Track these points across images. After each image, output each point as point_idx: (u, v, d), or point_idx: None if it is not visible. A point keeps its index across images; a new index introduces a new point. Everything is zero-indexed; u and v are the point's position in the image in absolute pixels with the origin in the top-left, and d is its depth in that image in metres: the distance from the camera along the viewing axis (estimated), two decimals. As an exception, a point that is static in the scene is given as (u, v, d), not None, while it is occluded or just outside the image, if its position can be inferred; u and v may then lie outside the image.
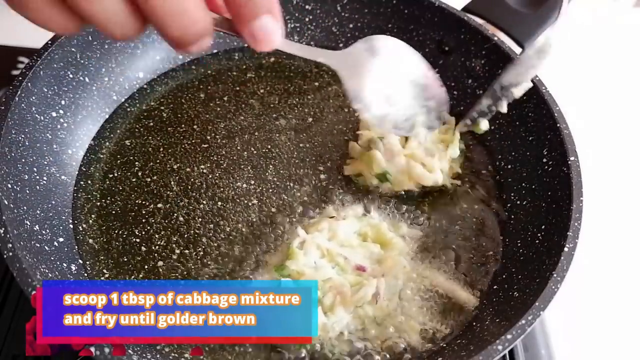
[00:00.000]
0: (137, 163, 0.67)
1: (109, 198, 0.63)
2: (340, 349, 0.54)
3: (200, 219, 0.62)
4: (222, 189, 0.65)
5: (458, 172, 0.68)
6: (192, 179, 0.66)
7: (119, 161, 0.67)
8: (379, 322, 0.55)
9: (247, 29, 0.40)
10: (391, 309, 0.56)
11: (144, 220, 0.61)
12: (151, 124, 0.71)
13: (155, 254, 0.59)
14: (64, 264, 0.56)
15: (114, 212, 0.62)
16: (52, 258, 0.54)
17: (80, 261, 0.58)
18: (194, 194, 0.64)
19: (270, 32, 0.40)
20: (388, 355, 0.54)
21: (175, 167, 0.67)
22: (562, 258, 0.53)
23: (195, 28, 0.38)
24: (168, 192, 0.64)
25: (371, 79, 0.55)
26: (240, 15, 0.39)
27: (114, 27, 0.37)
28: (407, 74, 0.58)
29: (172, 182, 0.65)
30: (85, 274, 0.57)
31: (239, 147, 0.69)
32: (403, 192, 0.66)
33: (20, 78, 0.59)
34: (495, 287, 0.60)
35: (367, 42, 0.55)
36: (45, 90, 0.62)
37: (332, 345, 0.54)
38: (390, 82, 0.57)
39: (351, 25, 0.81)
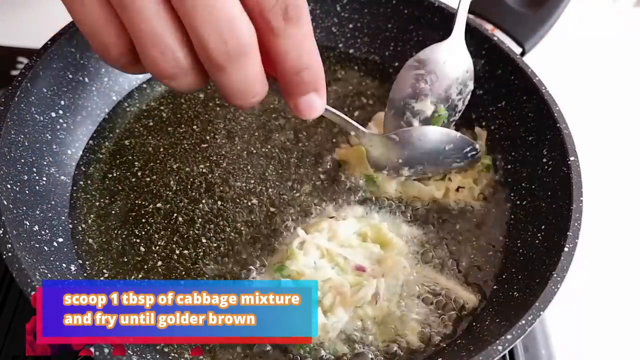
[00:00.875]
0: (136, 163, 0.67)
1: (108, 198, 0.63)
2: (340, 350, 0.54)
3: (200, 219, 0.62)
4: (222, 189, 0.65)
5: (481, 193, 0.67)
6: (192, 179, 0.65)
7: (118, 161, 0.67)
8: (378, 323, 0.55)
9: (294, 102, 0.44)
10: (391, 309, 0.56)
11: (143, 220, 0.61)
12: (151, 124, 0.71)
13: (155, 254, 0.59)
14: (64, 264, 0.55)
15: (113, 212, 0.62)
16: (51, 258, 0.54)
17: (80, 261, 0.58)
18: (194, 194, 0.64)
19: (314, 108, 0.44)
20: (388, 356, 0.54)
21: (175, 167, 0.67)
22: (562, 258, 0.53)
23: (255, 99, 0.42)
24: (168, 192, 0.64)
25: (393, 163, 0.62)
26: (289, 89, 0.43)
27: (186, 90, 0.41)
28: (432, 162, 0.63)
29: (172, 182, 0.65)
30: (85, 274, 0.57)
31: (238, 147, 0.69)
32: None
33: (19, 78, 0.59)
34: (495, 287, 0.60)
35: (402, 133, 0.60)
36: (45, 90, 0.62)
37: (332, 346, 0.54)
38: (412, 165, 0.63)
39: (351, 26, 0.81)
